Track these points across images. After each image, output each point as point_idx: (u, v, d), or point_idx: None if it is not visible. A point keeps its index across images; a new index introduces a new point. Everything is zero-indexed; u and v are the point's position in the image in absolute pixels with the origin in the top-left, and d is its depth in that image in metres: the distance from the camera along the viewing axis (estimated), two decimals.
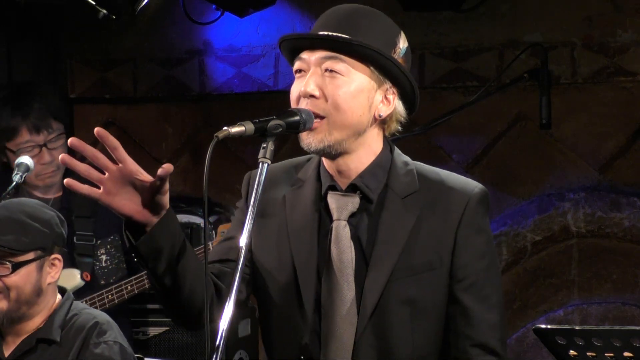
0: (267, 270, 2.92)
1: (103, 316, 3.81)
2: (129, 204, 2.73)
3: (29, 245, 3.69)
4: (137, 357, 3.89)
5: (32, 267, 3.70)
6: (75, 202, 5.04)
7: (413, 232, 2.83)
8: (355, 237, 2.86)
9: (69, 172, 5.05)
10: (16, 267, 3.67)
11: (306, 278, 2.85)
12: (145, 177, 2.71)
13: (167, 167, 2.66)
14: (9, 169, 4.95)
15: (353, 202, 2.87)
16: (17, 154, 4.93)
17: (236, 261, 2.59)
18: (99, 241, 5.08)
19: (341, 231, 2.86)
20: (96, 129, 2.68)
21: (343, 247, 2.85)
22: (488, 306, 2.84)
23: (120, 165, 2.71)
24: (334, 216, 2.87)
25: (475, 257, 2.84)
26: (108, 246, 5.12)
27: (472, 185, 2.89)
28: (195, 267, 2.77)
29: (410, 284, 2.82)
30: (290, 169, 2.98)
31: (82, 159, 2.73)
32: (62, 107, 5.12)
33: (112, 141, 2.68)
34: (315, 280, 2.86)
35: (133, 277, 4.93)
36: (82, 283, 4.94)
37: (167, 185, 2.69)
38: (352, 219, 2.87)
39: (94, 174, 2.69)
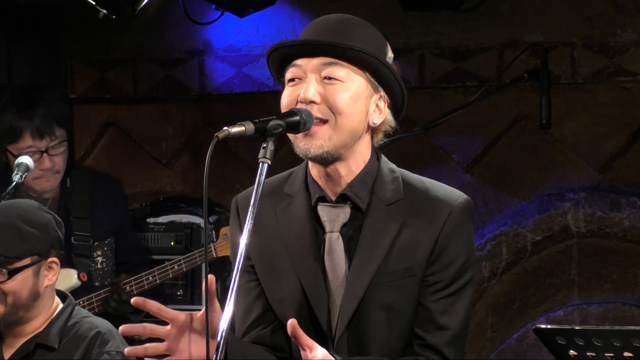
0: (278, 301, 2.92)
1: (105, 325, 3.80)
2: (201, 348, 2.70)
3: (25, 252, 3.67)
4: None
5: (29, 272, 3.69)
6: (73, 202, 5.03)
7: (395, 239, 2.83)
8: (347, 248, 2.86)
9: (67, 175, 5.05)
10: (12, 273, 3.66)
11: (317, 299, 2.86)
12: (200, 315, 2.70)
13: (211, 280, 2.64)
14: (9, 170, 4.94)
15: (344, 213, 2.87)
16: (17, 157, 4.92)
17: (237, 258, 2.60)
18: (95, 243, 5.09)
19: (334, 243, 2.86)
20: (133, 300, 2.68)
21: (336, 260, 2.86)
22: (451, 313, 2.84)
23: (170, 323, 2.70)
24: (327, 228, 2.87)
25: (449, 265, 2.84)
26: (105, 248, 5.12)
27: (456, 195, 2.88)
28: None
29: (390, 289, 2.82)
30: (275, 187, 2.97)
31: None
32: (67, 113, 5.10)
33: (153, 305, 2.68)
34: (326, 299, 2.87)
35: (155, 268, 4.95)
36: (79, 283, 4.94)
37: (217, 304, 2.67)
38: (344, 229, 2.87)
39: (160, 347, 2.71)
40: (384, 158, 2.94)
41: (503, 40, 5.61)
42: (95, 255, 5.09)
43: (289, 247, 2.89)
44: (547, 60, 5.12)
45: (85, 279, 5.01)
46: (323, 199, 2.89)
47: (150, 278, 4.94)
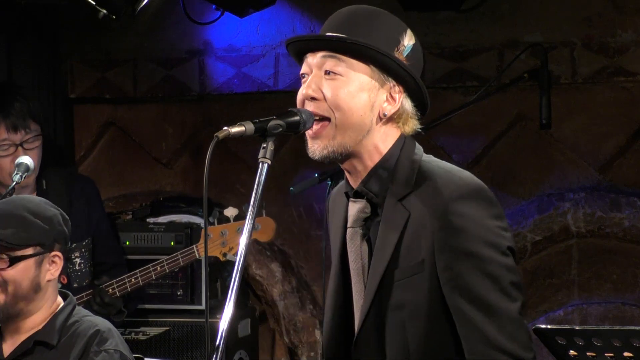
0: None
1: (104, 324, 3.80)
2: None
3: (28, 240, 3.69)
4: (137, 357, 3.89)
5: (31, 262, 3.71)
6: None
7: (402, 237, 2.80)
8: (368, 242, 2.87)
9: (42, 173, 5.05)
10: (14, 261, 3.68)
11: (335, 291, 2.94)
12: None
13: None
14: None
15: (364, 208, 2.88)
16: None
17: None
18: (74, 244, 5.09)
19: (352, 238, 2.89)
20: None
21: (355, 255, 2.88)
22: (482, 307, 2.76)
23: None
24: (348, 223, 2.90)
25: (457, 258, 2.76)
26: (83, 249, 5.12)
27: (458, 183, 2.81)
28: None
29: (399, 288, 2.80)
30: (343, 185, 3.01)
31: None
32: (41, 110, 5.11)
33: None
34: (339, 292, 2.93)
35: (138, 270, 4.95)
36: (59, 286, 4.94)
37: None
38: (367, 223, 2.88)
39: None
40: (408, 148, 2.88)
41: (503, 40, 5.62)
42: (73, 257, 5.10)
43: (335, 245, 2.96)
44: (547, 60, 5.11)
45: (65, 281, 5.01)
46: (348, 194, 2.91)
47: (133, 280, 4.93)
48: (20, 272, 3.70)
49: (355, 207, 2.88)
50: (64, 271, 4.99)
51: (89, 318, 3.82)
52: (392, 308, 2.81)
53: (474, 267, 2.76)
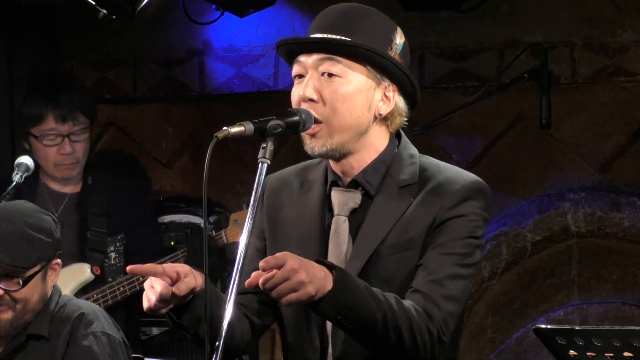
0: None
1: (89, 306, 3.81)
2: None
3: (37, 260, 3.70)
4: (137, 357, 3.89)
5: (38, 277, 3.72)
6: (92, 199, 5.08)
7: (402, 218, 2.84)
8: (353, 232, 2.86)
9: (89, 169, 5.09)
10: (26, 282, 3.69)
11: None
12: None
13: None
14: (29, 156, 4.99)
15: (354, 198, 2.89)
16: (39, 140, 4.97)
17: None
18: (109, 238, 5.11)
19: (340, 226, 2.88)
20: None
21: (339, 242, 2.87)
22: (440, 270, 2.81)
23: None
24: (335, 211, 2.90)
25: (446, 230, 2.83)
26: (117, 244, 5.14)
27: (466, 175, 2.89)
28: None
29: (390, 263, 2.83)
30: (301, 172, 3.01)
31: None
32: (90, 103, 5.16)
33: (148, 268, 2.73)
34: None
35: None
36: (92, 277, 4.97)
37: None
38: (353, 215, 2.88)
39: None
40: (405, 144, 2.95)
41: (503, 40, 5.61)
42: (109, 251, 5.12)
43: (300, 229, 2.92)
44: (547, 60, 5.12)
45: (99, 272, 5.02)
46: (336, 183, 2.91)
47: (142, 279, 4.94)
48: (31, 289, 3.71)
49: (344, 196, 2.89)
50: (98, 263, 5.03)
51: (73, 302, 3.82)
52: (378, 282, 2.80)
53: (456, 242, 2.83)
